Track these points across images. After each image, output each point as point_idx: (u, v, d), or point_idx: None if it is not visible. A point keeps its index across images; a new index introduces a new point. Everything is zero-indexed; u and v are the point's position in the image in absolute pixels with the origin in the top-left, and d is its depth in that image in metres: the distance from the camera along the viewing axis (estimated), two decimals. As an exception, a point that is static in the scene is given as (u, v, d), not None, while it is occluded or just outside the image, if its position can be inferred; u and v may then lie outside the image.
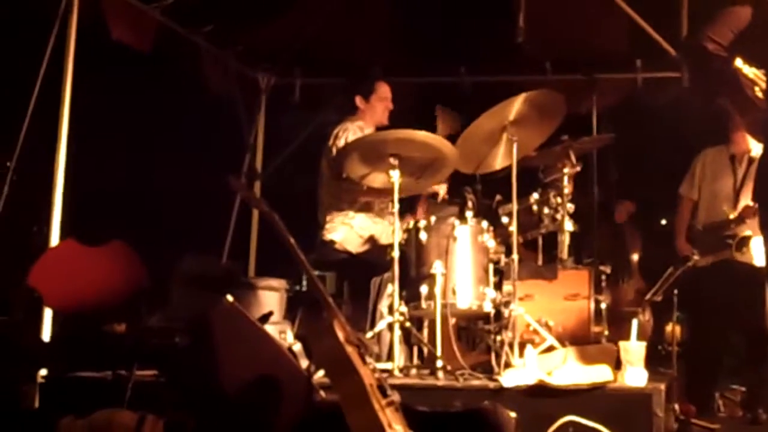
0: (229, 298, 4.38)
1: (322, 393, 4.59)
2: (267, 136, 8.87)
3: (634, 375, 5.01)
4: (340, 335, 3.99)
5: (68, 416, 4.28)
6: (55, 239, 5.80)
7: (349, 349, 3.96)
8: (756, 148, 6.38)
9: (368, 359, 4.15)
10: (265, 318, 5.02)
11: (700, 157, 6.93)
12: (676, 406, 5.78)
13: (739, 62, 3.98)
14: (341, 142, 6.26)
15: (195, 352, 4.48)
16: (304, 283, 6.80)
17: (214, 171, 7.32)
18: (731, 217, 6.49)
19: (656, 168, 7.68)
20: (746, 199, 6.45)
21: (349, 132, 6.32)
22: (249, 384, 4.34)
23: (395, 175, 5.51)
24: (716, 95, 4.83)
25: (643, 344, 5.10)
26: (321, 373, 4.80)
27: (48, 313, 5.60)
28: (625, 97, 8.25)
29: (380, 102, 6.55)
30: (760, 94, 4.01)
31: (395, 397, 4.18)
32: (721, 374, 6.85)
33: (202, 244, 7.45)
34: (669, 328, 6.80)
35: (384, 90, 6.58)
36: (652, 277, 6.77)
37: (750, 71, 3.97)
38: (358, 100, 6.52)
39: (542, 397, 4.89)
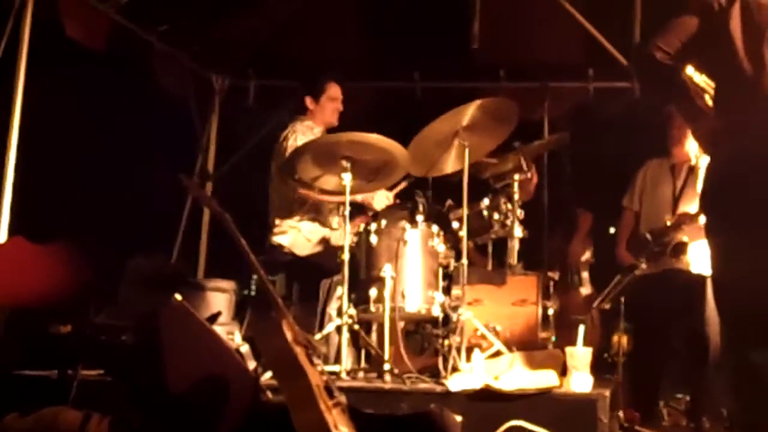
0: (178, 296, 4.36)
1: (269, 394, 4.60)
2: (220, 137, 8.86)
3: (580, 380, 5.04)
4: (288, 335, 3.98)
5: (12, 413, 4.23)
6: (2, 236, 5.77)
7: (297, 350, 3.95)
8: (697, 157, 6.51)
9: (316, 360, 4.15)
10: (214, 318, 5.00)
11: (642, 168, 7.04)
12: (621, 414, 5.82)
13: (690, 70, 4.04)
14: (290, 143, 6.28)
15: (142, 350, 4.45)
16: (253, 287, 6.79)
17: (166, 171, 7.30)
18: (668, 224, 6.56)
19: (606, 176, 7.72)
20: (686, 207, 6.54)
21: (298, 133, 6.35)
22: (195, 383, 4.32)
23: (347, 178, 5.52)
24: (666, 103, 4.89)
25: (589, 350, 5.14)
26: (268, 374, 4.83)
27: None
28: (577, 106, 8.34)
29: (330, 102, 6.58)
30: (709, 102, 4.06)
31: (342, 398, 4.18)
32: (665, 383, 6.91)
33: (152, 245, 7.41)
34: (615, 338, 6.84)
35: (334, 90, 6.61)
36: (602, 285, 6.84)
37: (700, 79, 4.03)
38: (308, 101, 6.55)
39: (488, 401, 4.88)
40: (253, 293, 6.78)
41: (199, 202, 6.56)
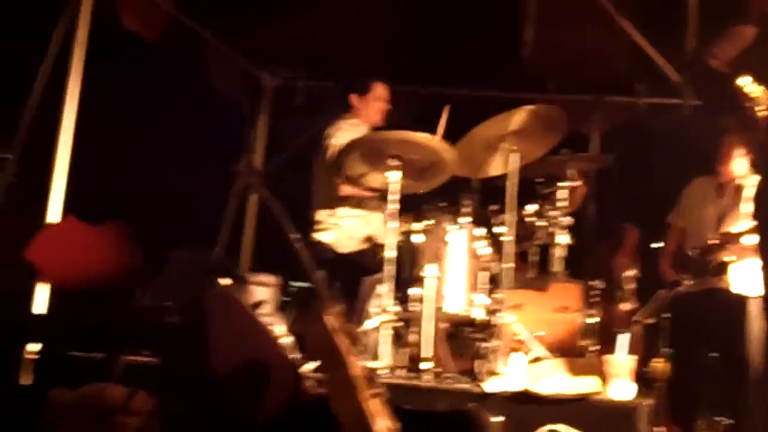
0: (224, 282, 4.42)
1: (310, 382, 4.64)
2: (268, 136, 8.91)
3: (621, 388, 5.03)
4: (332, 324, 4.02)
5: (59, 388, 4.30)
6: (57, 216, 5.83)
7: (340, 339, 3.99)
8: (746, 177, 6.49)
9: (357, 351, 4.18)
10: (256, 306, 5.05)
11: (689, 186, 7.02)
12: (663, 429, 5.79)
13: (742, 81, 4.03)
14: (332, 141, 6.31)
15: (186, 333, 4.50)
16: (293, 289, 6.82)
17: (214, 167, 7.37)
18: (712, 243, 6.54)
19: (653, 192, 7.70)
20: (729, 227, 6.52)
21: (343, 131, 6.37)
22: (237, 368, 4.37)
23: (394, 176, 5.54)
24: (719, 112, 4.89)
25: (632, 358, 5.13)
26: (311, 365, 4.86)
27: (43, 288, 5.63)
28: (626, 121, 8.32)
29: (376, 102, 6.61)
30: (763, 113, 4.05)
31: (382, 389, 4.21)
32: (704, 405, 6.86)
33: (198, 239, 7.46)
34: (656, 363, 6.79)
35: (380, 90, 6.64)
36: (645, 301, 6.81)
37: (754, 90, 4.02)
38: (354, 99, 6.59)
39: (526, 404, 4.90)
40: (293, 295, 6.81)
41: (249, 187, 6.59)
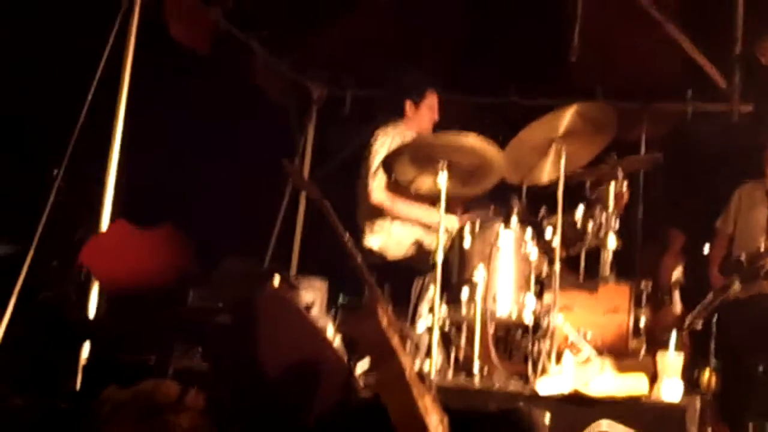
0: (275, 282, 4.45)
1: (362, 382, 4.66)
2: (315, 146, 8.97)
3: (670, 387, 5.02)
4: (383, 320, 4.05)
5: (112, 386, 4.34)
6: (105, 223, 5.92)
7: (391, 334, 4.01)
8: None
9: (408, 347, 4.20)
10: (308, 307, 5.08)
11: (737, 191, 7.00)
12: (710, 429, 5.76)
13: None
14: (377, 147, 6.35)
15: (237, 332, 4.54)
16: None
17: (262, 175, 7.44)
18: (761, 248, 6.50)
19: (702, 198, 7.68)
20: None
21: (389, 138, 6.40)
22: (289, 368, 4.40)
23: (443, 179, 5.56)
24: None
25: (680, 356, 5.12)
26: (362, 367, 4.89)
27: (95, 292, 5.71)
28: (674, 127, 8.29)
29: (428, 110, 6.63)
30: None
31: (433, 386, 4.23)
32: (755, 411, 6.82)
33: (248, 245, 7.54)
34: (705, 375, 6.75)
35: (432, 99, 6.67)
36: (693, 307, 6.78)
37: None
38: (408, 105, 6.60)
39: (576, 405, 4.90)
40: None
41: (299, 187, 6.64)
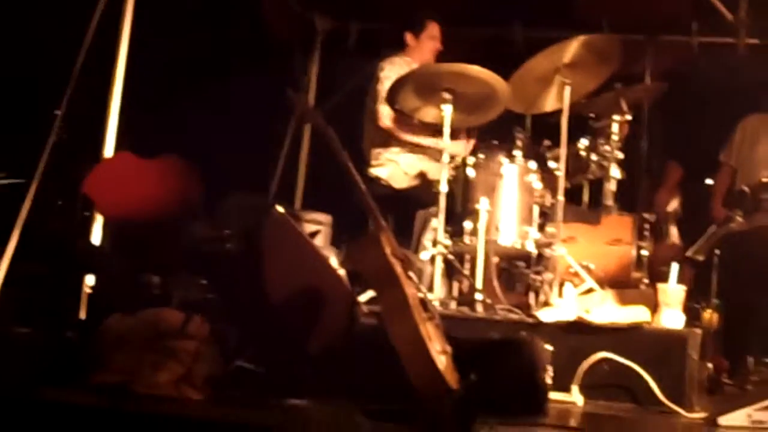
0: (280, 208, 4.46)
1: (365, 309, 4.69)
2: (321, 79, 8.94)
3: (671, 317, 5.05)
4: (386, 248, 4.06)
5: (115, 314, 4.36)
6: (110, 151, 5.93)
7: (394, 261, 4.03)
8: None
9: (412, 275, 4.22)
10: (313, 235, 5.10)
11: (740, 124, 6.99)
12: (710, 364, 5.80)
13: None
14: (385, 74, 6.34)
15: (242, 259, 4.56)
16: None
17: (265, 110, 7.43)
18: (764, 180, 6.50)
19: (707, 131, 7.64)
20: None
21: (396, 66, 6.41)
22: (293, 294, 4.43)
23: (447, 110, 5.56)
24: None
25: (682, 287, 5.14)
26: (366, 296, 4.92)
27: (99, 223, 5.74)
28: (680, 61, 8.25)
29: (430, 41, 6.65)
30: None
31: (436, 313, 4.26)
32: (755, 347, 6.85)
33: (252, 181, 7.55)
34: (706, 315, 6.77)
35: (434, 28, 6.67)
36: (695, 239, 6.79)
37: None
38: (409, 37, 6.62)
39: (579, 334, 4.92)
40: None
41: (304, 116, 6.64)
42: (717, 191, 7.00)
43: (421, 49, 6.62)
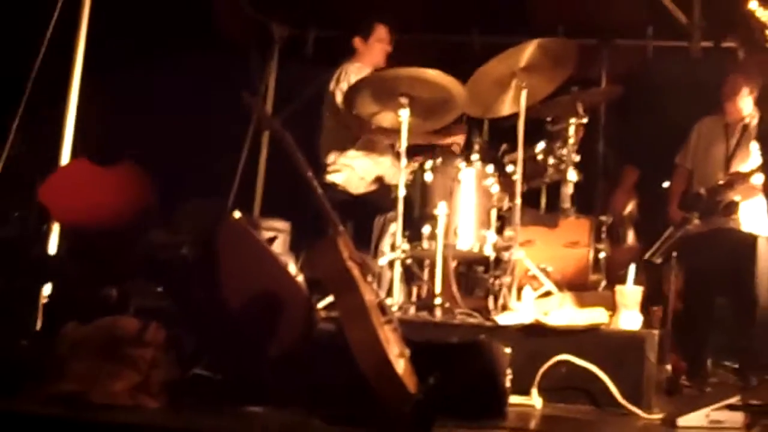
0: (237, 214, 4.44)
1: (323, 314, 4.68)
2: (278, 86, 8.91)
3: (629, 318, 5.08)
4: (344, 252, 4.06)
5: (71, 322, 4.33)
6: (66, 158, 5.89)
7: (351, 265, 4.03)
8: (751, 116, 6.53)
9: (370, 279, 4.21)
10: (270, 241, 5.08)
11: (696, 126, 7.03)
12: (668, 366, 5.84)
13: (753, 4, 4.04)
14: (343, 84, 6.33)
15: (199, 264, 4.53)
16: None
17: (223, 117, 7.40)
18: (721, 183, 6.56)
19: (662, 134, 7.69)
20: (738, 166, 6.54)
21: (351, 74, 6.39)
22: (250, 299, 4.40)
23: (404, 115, 5.56)
24: (726, 36, 4.88)
25: (639, 288, 5.17)
26: (324, 302, 4.91)
27: (55, 231, 5.69)
28: (635, 65, 8.31)
29: (379, 43, 6.62)
30: (770, 36, 4.05)
31: (394, 317, 4.25)
32: (713, 347, 6.90)
33: (210, 188, 7.51)
34: (657, 313, 6.81)
35: (382, 31, 6.65)
36: (652, 241, 6.83)
37: (764, 14, 4.03)
38: (357, 42, 6.61)
39: (537, 337, 4.94)
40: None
41: (260, 120, 6.62)
42: (673, 193, 7.04)
43: (372, 52, 6.60)
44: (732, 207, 6.47)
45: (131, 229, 5.14)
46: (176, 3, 7.20)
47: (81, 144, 6.10)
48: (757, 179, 6.34)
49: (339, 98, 6.27)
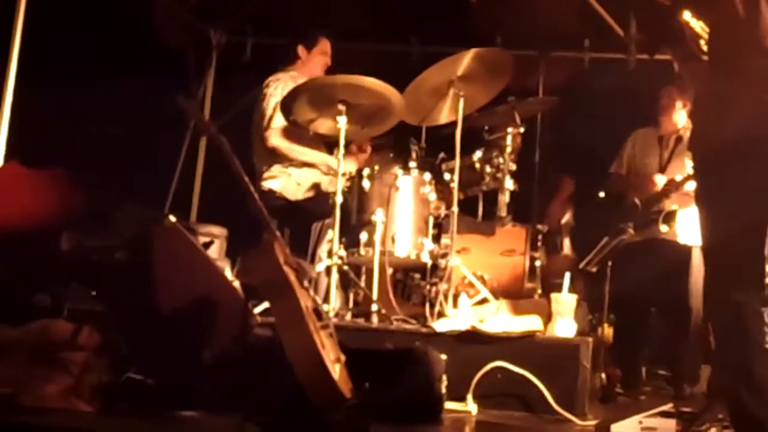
0: (172, 218, 4.41)
1: (258, 318, 4.66)
2: (216, 93, 8.88)
3: (564, 326, 5.12)
4: (280, 257, 4.04)
5: (1, 325, 4.26)
6: (-1, 161, 5.85)
7: (287, 270, 4.01)
8: (685, 129, 6.62)
9: (305, 283, 4.20)
10: (206, 246, 5.05)
11: (630, 137, 7.10)
12: (602, 375, 5.88)
13: (686, 15, 4.07)
14: (271, 91, 6.33)
15: (133, 267, 4.50)
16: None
17: (161, 124, 7.36)
18: (656, 191, 6.63)
19: (597, 144, 7.76)
20: (674, 175, 6.62)
21: (281, 83, 6.38)
22: (185, 303, 4.37)
23: (342, 121, 5.57)
24: (660, 46, 4.92)
25: (574, 297, 5.21)
26: (260, 308, 4.89)
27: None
28: (572, 76, 8.38)
29: (321, 56, 6.63)
30: (704, 48, 4.09)
31: (330, 322, 4.24)
32: (647, 357, 6.97)
33: (146, 194, 7.45)
34: (600, 330, 6.86)
35: (325, 44, 6.66)
36: (585, 249, 6.88)
37: (697, 25, 4.07)
38: (300, 50, 6.61)
39: (473, 343, 4.97)
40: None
41: (197, 126, 6.60)
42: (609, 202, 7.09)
43: (312, 64, 6.60)
44: (671, 216, 6.54)
45: (59, 232, 5.06)
46: (115, 8, 7.12)
47: (14, 146, 6.03)
48: (692, 186, 6.41)
49: (273, 102, 6.27)
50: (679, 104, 6.75)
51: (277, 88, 6.34)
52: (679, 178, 6.51)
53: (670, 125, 6.82)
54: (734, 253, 3.68)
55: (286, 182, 6.37)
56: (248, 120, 6.72)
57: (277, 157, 6.39)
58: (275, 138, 6.34)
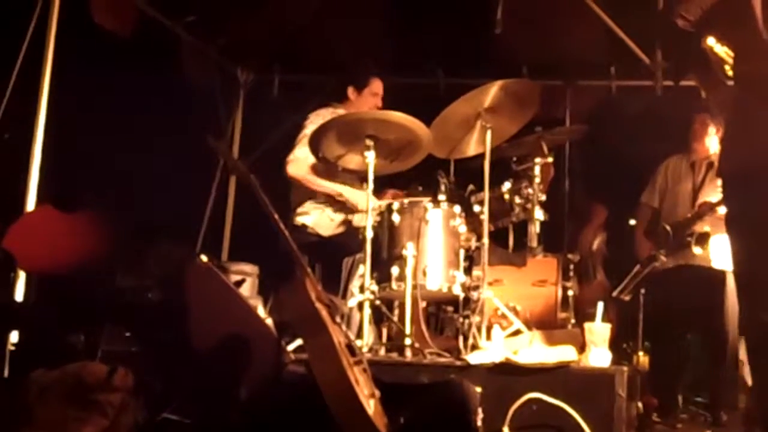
0: (204, 257, 4.44)
1: (292, 356, 4.66)
2: (245, 131, 8.94)
3: (598, 356, 5.08)
4: (312, 294, 4.06)
5: (39, 369, 4.30)
6: (31, 204, 5.88)
7: (319, 306, 4.03)
8: (716, 154, 6.59)
9: (338, 319, 4.21)
10: (238, 284, 5.08)
11: (662, 165, 7.09)
12: (639, 403, 5.84)
13: (711, 41, 4.08)
14: (310, 126, 6.33)
15: (167, 307, 4.53)
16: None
17: (191, 163, 7.41)
18: (689, 215, 6.62)
19: (627, 172, 7.76)
20: (706, 199, 6.61)
21: (320, 118, 6.35)
22: (219, 342, 4.39)
23: (371, 156, 5.58)
24: (686, 72, 4.93)
25: (608, 326, 5.18)
26: (294, 345, 4.90)
27: (21, 276, 5.67)
28: (599, 104, 8.38)
29: (372, 97, 6.59)
30: (729, 73, 4.10)
31: (363, 358, 4.25)
32: (684, 384, 6.93)
33: (178, 232, 7.49)
34: (635, 357, 6.84)
35: (377, 86, 6.64)
36: (617, 277, 6.87)
37: (721, 50, 4.07)
38: (350, 91, 6.59)
39: (507, 375, 4.93)
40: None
41: (226, 164, 6.63)
42: (638, 231, 7.08)
43: (362, 104, 6.54)
44: (704, 237, 6.52)
45: (96, 274, 5.11)
46: (143, 53, 7.18)
47: (45, 189, 6.09)
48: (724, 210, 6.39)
49: (300, 137, 6.31)
50: (712, 130, 6.77)
51: (314, 122, 6.33)
52: (712, 200, 6.48)
53: (703, 151, 6.83)
54: (765, 275, 3.67)
55: (320, 218, 6.39)
56: (278, 155, 6.75)
57: (311, 192, 6.42)
58: (293, 167, 6.37)
